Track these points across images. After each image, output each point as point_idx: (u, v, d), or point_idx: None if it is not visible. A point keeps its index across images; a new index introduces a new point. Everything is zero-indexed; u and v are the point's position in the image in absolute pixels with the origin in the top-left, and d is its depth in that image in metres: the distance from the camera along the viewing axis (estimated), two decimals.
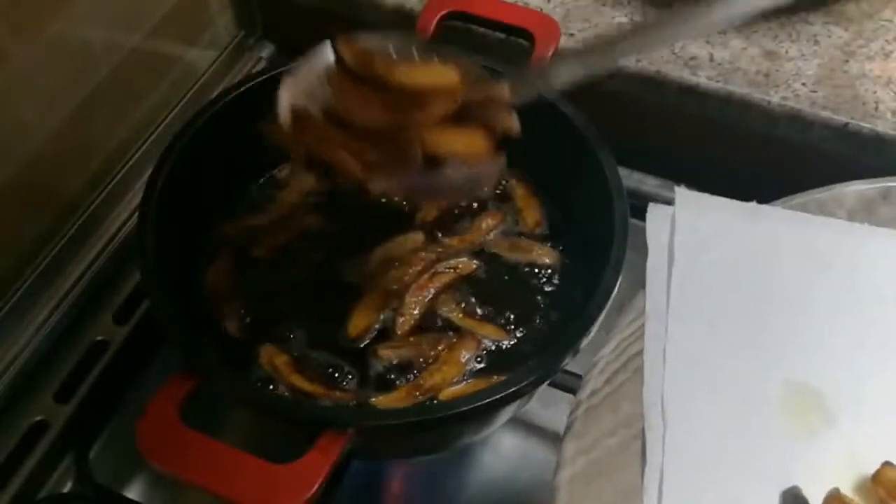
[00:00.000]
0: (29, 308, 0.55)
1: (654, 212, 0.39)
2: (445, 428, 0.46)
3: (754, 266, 0.39)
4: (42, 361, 0.54)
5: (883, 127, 0.59)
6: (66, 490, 0.53)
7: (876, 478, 0.34)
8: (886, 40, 0.64)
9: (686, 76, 0.62)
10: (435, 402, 0.50)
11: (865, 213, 0.42)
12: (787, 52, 0.63)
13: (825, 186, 0.43)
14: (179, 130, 0.53)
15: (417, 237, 0.56)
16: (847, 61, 0.63)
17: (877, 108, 0.60)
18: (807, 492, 0.33)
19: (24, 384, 0.53)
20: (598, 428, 0.35)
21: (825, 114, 0.60)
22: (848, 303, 0.38)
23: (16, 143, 0.51)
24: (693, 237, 0.39)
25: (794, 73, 0.62)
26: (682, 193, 0.40)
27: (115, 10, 0.56)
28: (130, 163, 0.61)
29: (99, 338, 0.57)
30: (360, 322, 0.52)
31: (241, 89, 0.56)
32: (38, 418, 0.53)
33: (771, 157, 0.64)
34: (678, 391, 0.35)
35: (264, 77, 0.57)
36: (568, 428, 0.35)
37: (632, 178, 0.65)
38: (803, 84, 0.61)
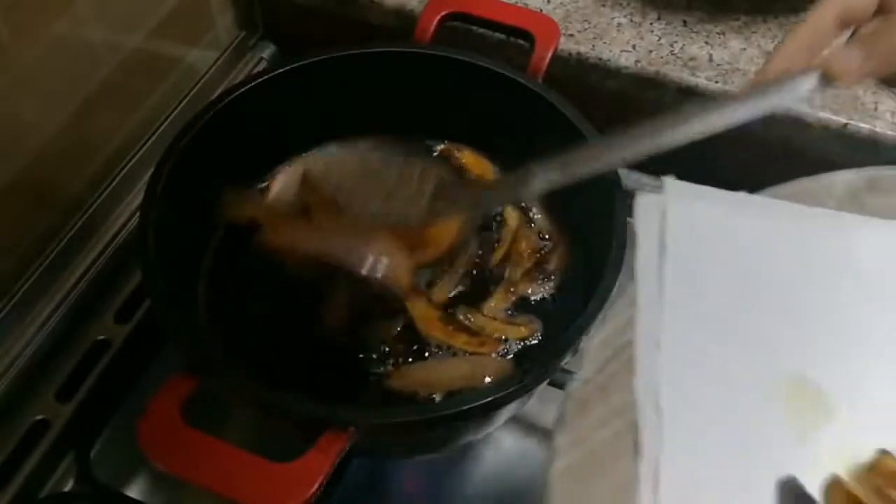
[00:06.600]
0: (30, 307, 0.55)
1: (644, 201, 0.38)
2: (445, 427, 0.46)
3: (749, 258, 0.39)
4: (43, 360, 0.55)
5: (882, 127, 0.59)
6: (67, 489, 0.53)
7: (874, 466, 0.34)
8: None
9: (685, 77, 0.62)
10: (436, 401, 0.50)
11: (853, 202, 0.42)
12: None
13: (814, 176, 0.43)
14: (180, 131, 0.53)
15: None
16: None
17: (876, 109, 0.60)
18: (805, 482, 0.33)
19: (25, 383, 0.54)
20: (590, 419, 0.34)
21: (824, 114, 0.60)
22: (843, 294, 0.38)
23: (17, 143, 0.51)
24: (685, 227, 0.38)
25: None
26: (671, 183, 0.40)
27: (116, 11, 0.56)
28: (132, 163, 0.61)
29: (100, 337, 0.57)
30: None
31: (242, 90, 0.56)
32: (40, 417, 0.53)
33: (771, 158, 0.64)
34: (673, 383, 0.34)
35: (265, 77, 0.57)
36: (559, 420, 0.34)
37: (631, 178, 0.65)
38: None
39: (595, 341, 0.36)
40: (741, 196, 0.41)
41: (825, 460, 0.34)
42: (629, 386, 0.34)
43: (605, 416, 0.34)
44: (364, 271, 0.46)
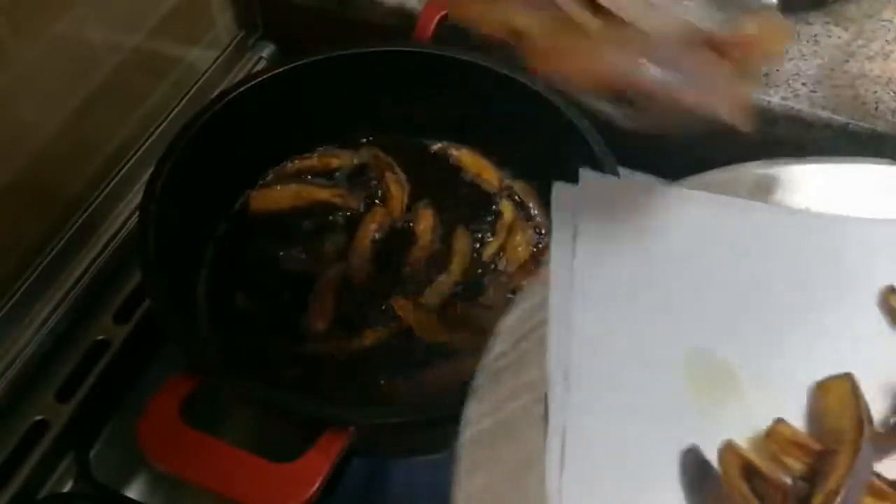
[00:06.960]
0: (30, 307, 0.55)
1: (559, 189, 0.41)
2: (445, 427, 0.46)
3: (660, 243, 0.40)
4: (43, 360, 0.54)
5: (883, 127, 0.59)
6: (66, 489, 0.53)
7: (770, 434, 0.35)
8: (886, 40, 0.64)
9: None
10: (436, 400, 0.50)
11: (762, 192, 0.43)
12: (787, 51, 0.63)
13: (727, 167, 0.45)
14: (180, 130, 0.53)
15: None
16: (847, 61, 0.63)
17: (877, 108, 0.60)
18: (707, 452, 0.35)
19: (24, 383, 0.53)
20: (502, 390, 0.35)
21: (825, 114, 0.60)
22: (751, 275, 0.40)
23: (17, 142, 0.51)
24: (599, 214, 0.40)
25: (795, 73, 0.62)
26: (586, 173, 0.41)
27: (116, 11, 0.56)
28: (131, 162, 0.61)
29: (100, 337, 0.57)
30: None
31: (242, 89, 0.56)
32: (39, 417, 0.53)
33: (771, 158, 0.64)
34: (583, 358, 0.36)
35: (265, 77, 0.57)
36: (472, 391, 0.36)
37: (632, 178, 0.65)
38: (803, 84, 0.61)
39: (509, 318, 0.38)
40: (655, 186, 0.43)
41: (729, 432, 0.35)
42: (540, 362, 0.36)
43: (516, 389, 0.35)
44: (699, 99, 0.32)
